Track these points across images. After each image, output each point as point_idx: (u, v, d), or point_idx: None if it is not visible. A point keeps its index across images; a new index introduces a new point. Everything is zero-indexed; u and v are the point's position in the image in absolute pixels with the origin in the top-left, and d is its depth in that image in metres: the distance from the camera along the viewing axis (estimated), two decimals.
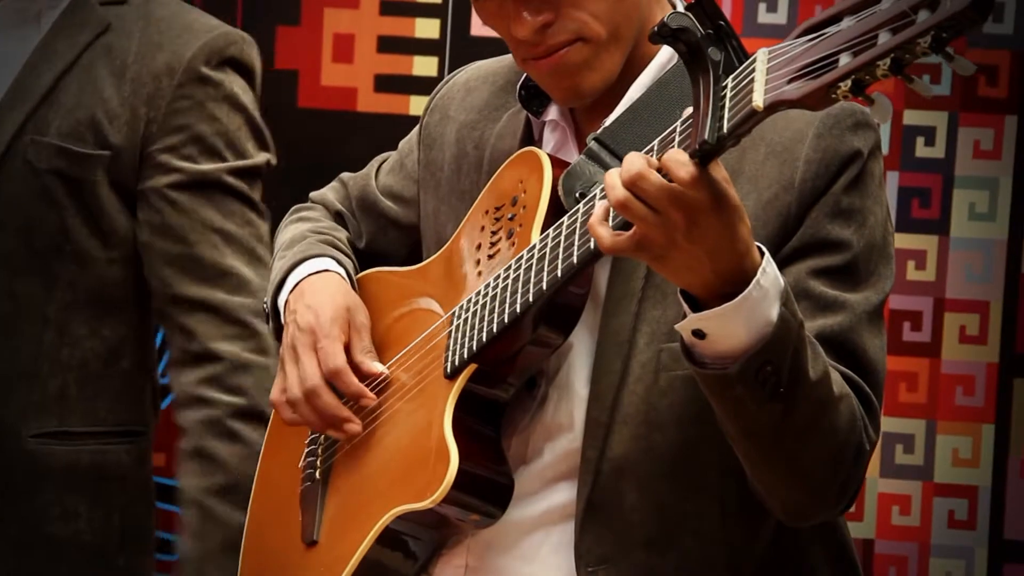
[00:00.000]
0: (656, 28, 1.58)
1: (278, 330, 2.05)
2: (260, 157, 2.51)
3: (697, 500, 1.81)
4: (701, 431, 1.78)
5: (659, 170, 1.59)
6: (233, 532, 2.28)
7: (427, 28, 3.16)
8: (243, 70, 2.50)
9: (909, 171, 3.11)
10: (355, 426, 1.94)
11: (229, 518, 2.36)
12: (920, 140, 3.11)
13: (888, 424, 3.12)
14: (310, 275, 2.04)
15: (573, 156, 1.87)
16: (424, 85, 3.13)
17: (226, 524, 2.37)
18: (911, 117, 3.10)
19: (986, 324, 3.11)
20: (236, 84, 2.48)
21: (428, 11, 3.15)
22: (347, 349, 1.97)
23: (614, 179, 1.60)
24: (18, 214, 2.41)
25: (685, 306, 1.66)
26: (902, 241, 3.08)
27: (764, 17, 3.11)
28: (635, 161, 1.58)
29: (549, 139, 1.94)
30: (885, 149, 3.08)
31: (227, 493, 2.38)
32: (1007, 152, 3.09)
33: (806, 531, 1.86)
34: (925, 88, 1.43)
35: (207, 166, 2.43)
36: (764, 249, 1.65)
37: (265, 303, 2.10)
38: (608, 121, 1.85)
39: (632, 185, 1.58)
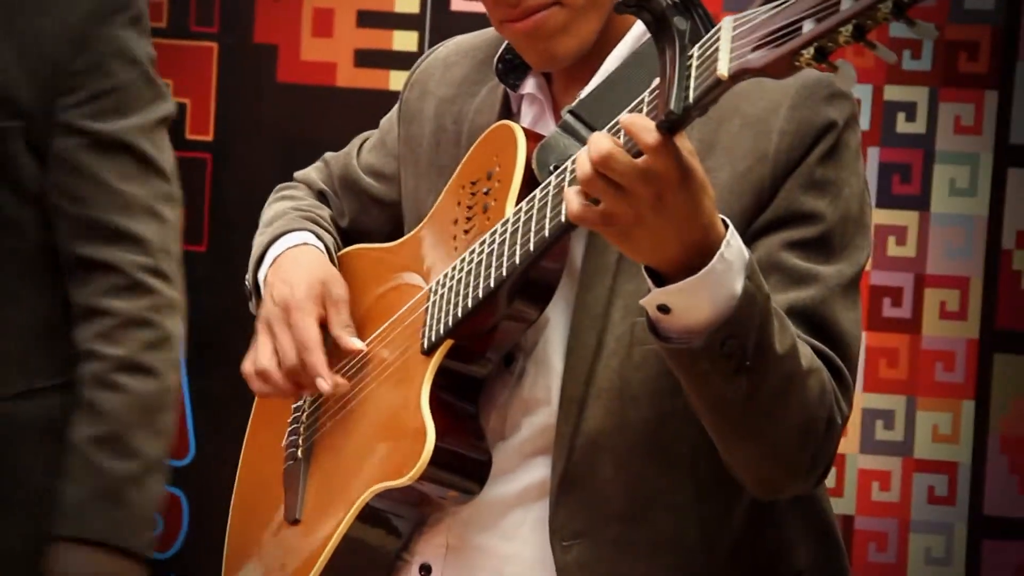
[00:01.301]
0: None
1: (259, 305, 2.04)
2: (159, 110, 2.52)
3: (671, 474, 1.81)
4: (674, 405, 1.77)
5: (625, 140, 1.58)
6: (111, 481, 2.33)
7: (407, 2, 3.15)
8: (132, 19, 2.49)
9: (890, 147, 3.11)
10: (324, 383, 1.93)
11: (108, 467, 2.38)
12: (901, 116, 3.11)
13: (868, 400, 3.13)
14: (288, 249, 2.04)
15: (550, 129, 1.86)
16: (404, 60, 3.13)
17: (105, 472, 2.39)
18: (892, 93, 3.10)
19: (966, 300, 3.12)
20: (128, 37, 2.48)
21: None
22: (325, 323, 1.97)
23: (583, 158, 1.58)
24: None
25: (649, 281, 1.65)
26: (883, 217, 3.08)
27: None
28: (601, 142, 1.58)
29: (527, 113, 1.93)
30: (866, 125, 3.08)
31: (107, 442, 2.40)
32: (987, 128, 3.08)
33: (785, 507, 1.86)
34: (889, 55, 1.43)
35: (107, 126, 2.44)
36: (728, 222, 1.64)
37: (247, 280, 2.10)
38: (583, 93, 1.84)
39: (601, 165, 1.57)
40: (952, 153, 3.10)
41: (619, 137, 1.61)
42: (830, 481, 3.07)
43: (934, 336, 3.13)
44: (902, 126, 3.11)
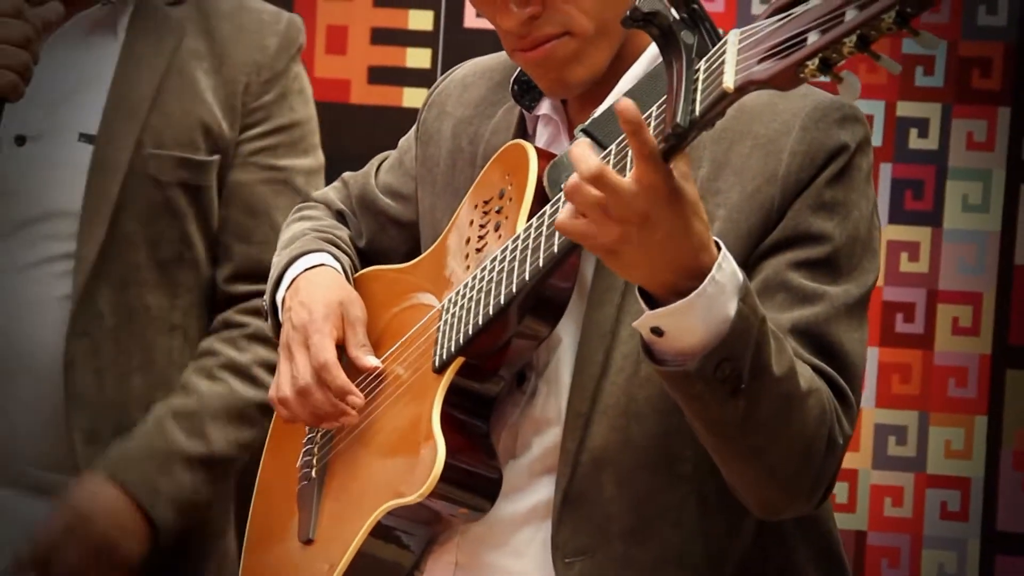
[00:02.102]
0: (629, 12, 1.57)
1: (276, 327, 2.05)
2: (320, 156, 2.54)
3: (675, 492, 1.80)
4: (680, 422, 1.76)
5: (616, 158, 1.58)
6: (172, 451, 2.36)
7: (420, 20, 3.16)
8: (300, 55, 2.52)
9: (902, 163, 3.11)
10: (351, 417, 1.94)
11: (175, 438, 2.38)
12: (913, 132, 3.11)
13: (881, 416, 3.12)
14: (305, 270, 2.04)
15: (563, 149, 1.87)
16: (418, 77, 3.13)
17: (170, 441, 2.38)
18: (904, 109, 3.10)
19: (979, 316, 3.11)
20: (305, 75, 2.51)
21: (421, 2, 3.15)
22: (342, 344, 1.97)
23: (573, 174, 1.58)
24: (145, 229, 2.42)
25: (642, 303, 1.64)
26: (895, 233, 3.08)
27: (758, 8, 3.11)
28: (590, 159, 1.56)
29: (542, 134, 1.94)
30: (878, 141, 3.08)
31: (185, 419, 2.40)
32: (1000, 144, 3.08)
33: (791, 526, 1.85)
34: (893, 66, 1.44)
35: (282, 162, 2.45)
36: (721, 244, 1.63)
37: (264, 301, 2.11)
38: (597, 113, 1.84)
39: (590, 182, 1.56)
40: (965, 169, 3.10)
41: (626, 153, 1.62)
42: (842, 497, 3.08)
43: (947, 352, 3.13)
44: (915, 142, 3.11)
